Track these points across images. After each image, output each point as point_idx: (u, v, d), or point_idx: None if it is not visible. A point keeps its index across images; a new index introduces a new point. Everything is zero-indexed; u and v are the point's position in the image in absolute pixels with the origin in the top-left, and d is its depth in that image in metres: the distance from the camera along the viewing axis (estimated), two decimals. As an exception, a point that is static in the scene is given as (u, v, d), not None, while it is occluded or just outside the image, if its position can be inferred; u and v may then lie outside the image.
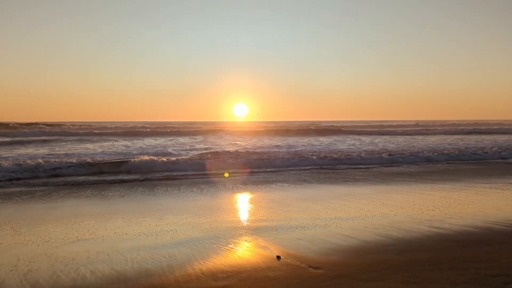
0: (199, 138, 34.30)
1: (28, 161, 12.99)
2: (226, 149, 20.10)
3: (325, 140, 30.91)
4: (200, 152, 19.32)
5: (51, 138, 30.68)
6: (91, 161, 13.72)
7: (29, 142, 26.14)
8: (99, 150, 20.98)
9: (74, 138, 31.54)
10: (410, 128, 54.03)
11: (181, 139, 32.08)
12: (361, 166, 14.63)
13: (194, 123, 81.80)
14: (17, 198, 8.62)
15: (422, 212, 6.87)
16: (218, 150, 19.76)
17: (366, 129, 49.94)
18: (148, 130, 43.35)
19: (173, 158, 14.72)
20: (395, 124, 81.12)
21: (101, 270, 4.22)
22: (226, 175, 10.03)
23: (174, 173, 12.11)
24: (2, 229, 6.02)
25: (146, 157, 13.98)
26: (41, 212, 7.18)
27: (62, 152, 19.27)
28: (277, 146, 23.89)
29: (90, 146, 24.12)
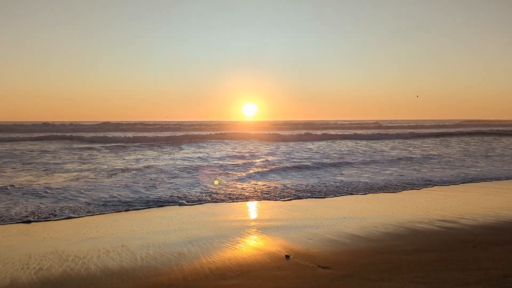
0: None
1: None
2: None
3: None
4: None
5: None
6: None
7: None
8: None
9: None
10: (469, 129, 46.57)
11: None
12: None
13: (209, 122, 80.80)
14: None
15: (432, 212, 6.81)
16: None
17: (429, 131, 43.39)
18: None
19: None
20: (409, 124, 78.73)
21: (111, 268, 4.25)
22: (216, 182, 9.98)
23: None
24: (15, 226, 6.09)
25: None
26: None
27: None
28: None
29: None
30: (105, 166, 13.41)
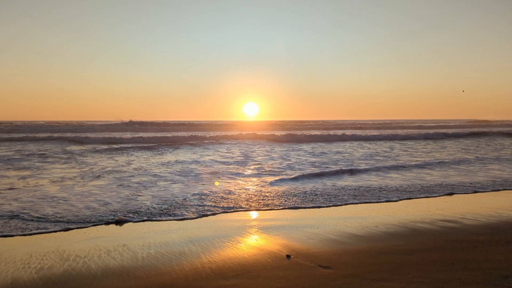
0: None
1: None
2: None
3: None
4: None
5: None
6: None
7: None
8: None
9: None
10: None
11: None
12: None
13: (209, 122, 79.96)
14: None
15: (434, 212, 6.80)
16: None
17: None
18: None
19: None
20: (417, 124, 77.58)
21: (112, 268, 4.26)
22: (217, 183, 9.84)
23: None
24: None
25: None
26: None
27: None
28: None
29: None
30: (96, 168, 12.82)
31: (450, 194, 8.57)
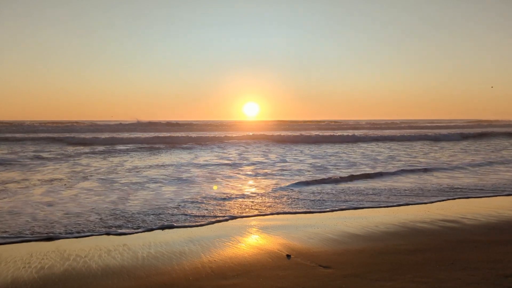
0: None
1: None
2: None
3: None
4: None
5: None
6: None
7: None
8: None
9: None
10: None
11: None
12: None
13: (211, 122, 79.06)
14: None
15: (434, 212, 6.80)
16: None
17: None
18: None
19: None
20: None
21: (112, 267, 4.26)
22: (215, 187, 9.70)
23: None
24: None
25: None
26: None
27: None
28: None
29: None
30: (88, 170, 12.32)
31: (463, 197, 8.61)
